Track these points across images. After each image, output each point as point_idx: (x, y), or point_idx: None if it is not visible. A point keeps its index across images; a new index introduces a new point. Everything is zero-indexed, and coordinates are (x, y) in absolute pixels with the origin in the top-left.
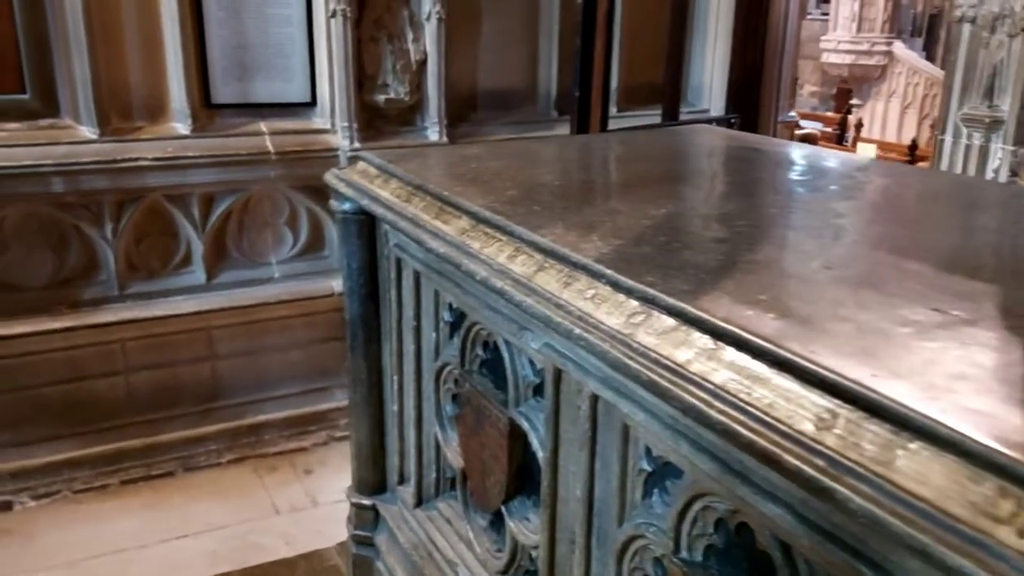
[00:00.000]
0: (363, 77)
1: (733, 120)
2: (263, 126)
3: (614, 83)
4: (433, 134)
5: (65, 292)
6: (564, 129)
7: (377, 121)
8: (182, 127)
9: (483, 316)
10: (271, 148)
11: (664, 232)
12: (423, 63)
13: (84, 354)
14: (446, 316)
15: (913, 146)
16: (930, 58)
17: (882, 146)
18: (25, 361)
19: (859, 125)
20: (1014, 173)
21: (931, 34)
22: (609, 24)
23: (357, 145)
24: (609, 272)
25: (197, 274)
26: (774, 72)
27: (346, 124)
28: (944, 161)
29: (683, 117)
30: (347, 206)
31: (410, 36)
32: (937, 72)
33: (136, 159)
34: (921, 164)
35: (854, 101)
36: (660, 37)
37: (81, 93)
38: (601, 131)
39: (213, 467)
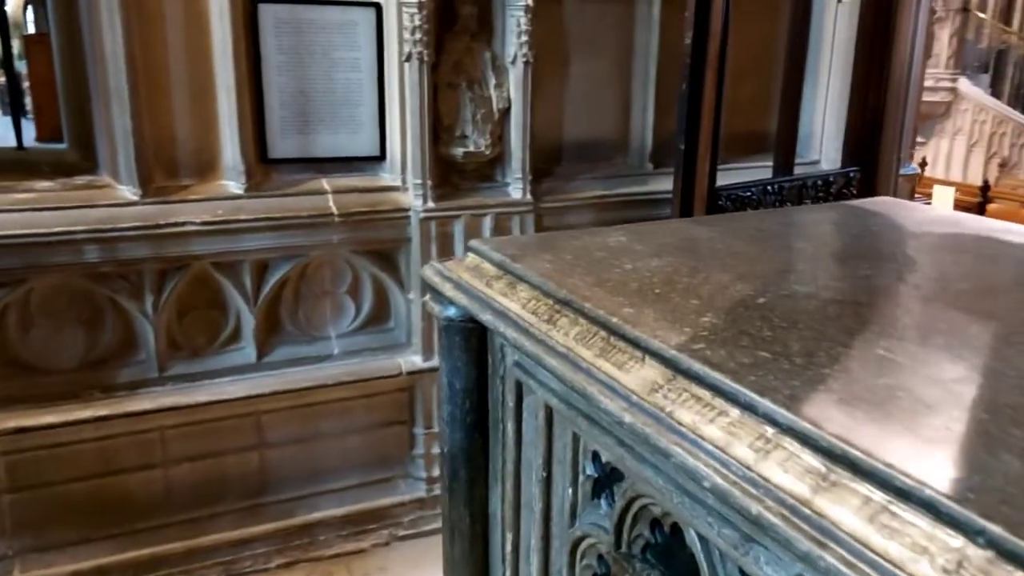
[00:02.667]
0: (439, 128)
1: (852, 174)
2: (325, 184)
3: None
4: (516, 191)
5: (98, 375)
6: (661, 184)
7: (453, 176)
8: (235, 186)
9: (658, 489)
10: (334, 208)
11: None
12: (506, 111)
13: (118, 445)
14: (589, 469)
15: (985, 187)
16: (996, 95)
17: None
18: (51, 454)
19: (923, 164)
20: None
21: (997, 71)
22: (721, 66)
23: (431, 205)
24: (956, 508)
25: (247, 351)
26: (897, 119)
27: (419, 181)
28: None
29: (796, 171)
30: (452, 312)
31: (492, 81)
32: (1005, 109)
33: (182, 223)
34: (993, 205)
35: (918, 139)
36: (763, 79)
37: (121, 148)
38: (709, 187)
39: (260, 573)
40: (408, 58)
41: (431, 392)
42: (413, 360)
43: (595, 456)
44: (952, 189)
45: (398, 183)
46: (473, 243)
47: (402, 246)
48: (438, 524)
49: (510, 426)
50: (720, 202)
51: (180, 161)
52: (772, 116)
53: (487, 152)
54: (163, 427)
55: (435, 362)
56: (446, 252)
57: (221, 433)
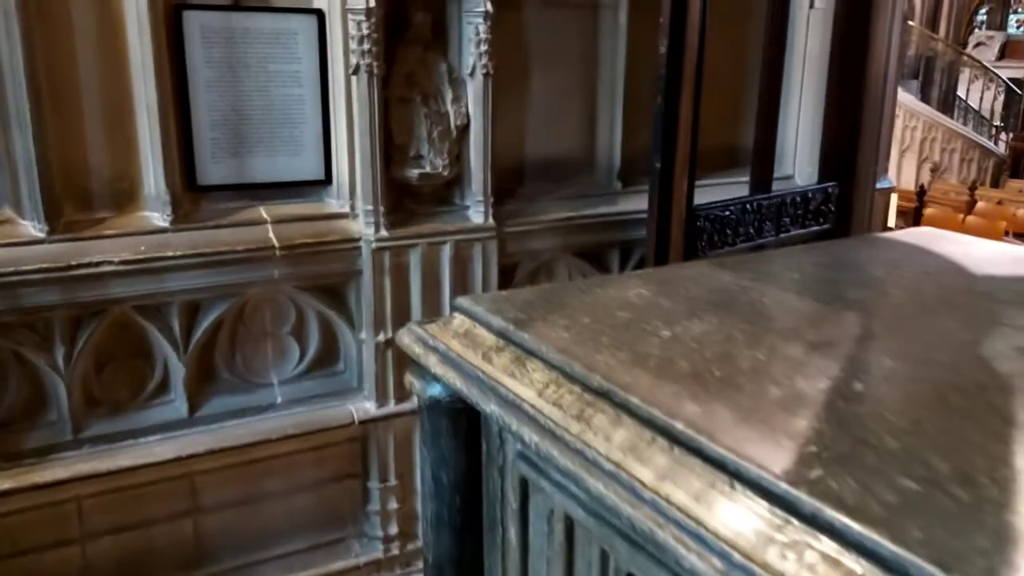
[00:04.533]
0: (391, 148)
1: (830, 189)
2: (264, 212)
3: None
4: (477, 215)
5: (0, 440)
6: (631, 203)
7: (407, 201)
8: (159, 218)
9: None
10: (274, 240)
11: None
12: (464, 128)
13: (26, 520)
14: None
15: (921, 192)
16: (925, 100)
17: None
18: None
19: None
20: None
21: (926, 77)
22: (698, 78)
23: (384, 233)
24: None
25: (176, 405)
26: (874, 131)
27: (370, 207)
28: None
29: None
30: (438, 391)
31: (449, 96)
32: (935, 115)
33: (98, 263)
34: (929, 210)
35: None
36: (735, 89)
37: (24, 177)
38: (687, 207)
39: None
40: (356, 70)
41: (387, 441)
42: (366, 407)
43: None
44: (895, 196)
45: (346, 210)
46: (461, 301)
47: (352, 280)
48: None
49: (512, 531)
50: (698, 223)
51: (94, 191)
52: (744, 129)
53: (445, 173)
54: (80, 497)
55: (391, 408)
56: (401, 286)
57: (148, 499)
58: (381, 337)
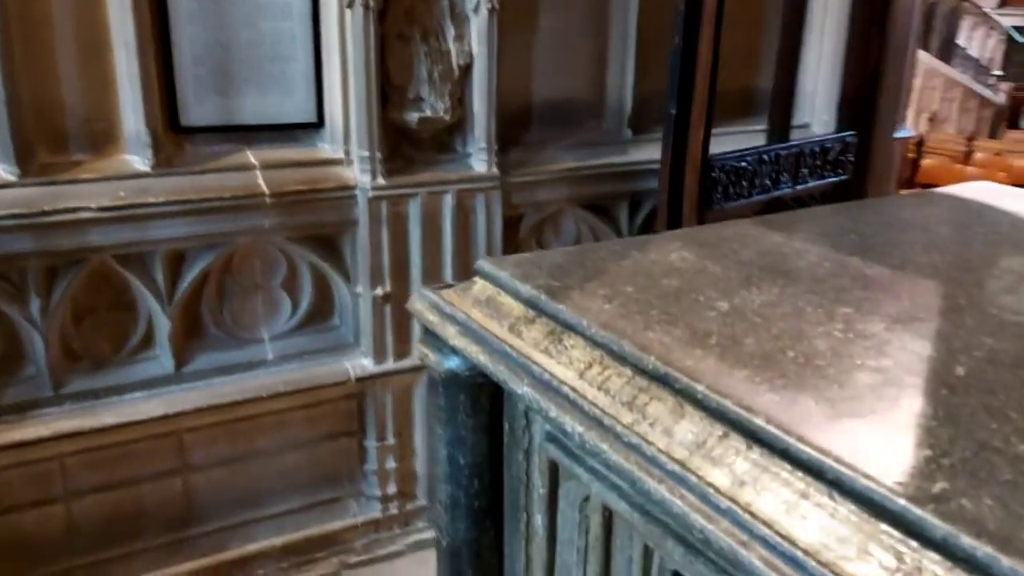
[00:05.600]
0: (388, 89)
1: (849, 139)
2: (252, 157)
3: None
4: (480, 163)
5: None
6: (643, 153)
7: (405, 147)
8: (139, 161)
9: None
10: (264, 187)
11: None
12: (467, 69)
13: (6, 479)
14: None
15: (920, 142)
16: (925, 48)
17: None
18: None
19: None
20: None
21: (926, 24)
22: (719, 16)
23: (381, 181)
24: None
25: (162, 360)
26: (897, 78)
27: (366, 153)
28: None
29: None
30: (455, 363)
31: (451, 33)
32: (934, 63)
33: (74, 209)
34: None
35: None
36: (753, 29)
37: None
38: (703, 155)
39: None
40: (350, 3)
41: (385, 399)
42: (363, 364)
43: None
44: None
45: (340, 155)
46: (483, 265)
47: (347, 230)
48: (395, 547)
49: (539, 519)
50: (714, 173)
51: (70, 132)
52: (760, 73)
53: (446, 117)
54: (62, 455)
55: (389, 365)
56: (399, 237)
57: (134, 458)
58: (379, 291)
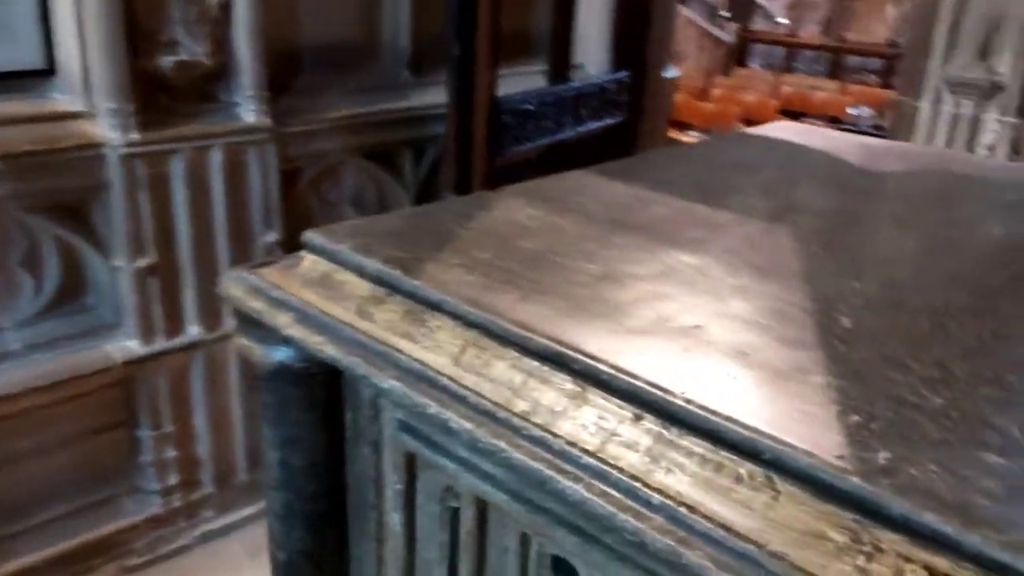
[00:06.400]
0: (135, 31)
1: (624, 79)
2: None
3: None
4: (249, 113)
5: None
6: (426, 97)
7: (162, 98)
8: None
9: None
10: None
11: None
12: (226, 7)
13: None
14: None
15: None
16: None
17: None
18: None
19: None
20: (1016, 151)
21: None
22: None
23: (135, 137)
24: None
25: None
26: (665, 19)
27: (113, 105)
28: (920, 133)
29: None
30: (284, 354)
31: None
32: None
33: None
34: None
35: None
36: None
37: None
38: (490, 100)
39: None
40: None
41: (157, 383)
42: (128, 346)
43: (556, 563)
44: None
45: (81, 107)
46: (312, 237)
47: (97, 195)
48: (182, 541)
49: (394, 517)
50: (502, 116)
51: None
52: (535, 13)
53: (206, 61)
54: None
55: (159, 345)
56: (162, 200)
57: None
58: (141, 263)
